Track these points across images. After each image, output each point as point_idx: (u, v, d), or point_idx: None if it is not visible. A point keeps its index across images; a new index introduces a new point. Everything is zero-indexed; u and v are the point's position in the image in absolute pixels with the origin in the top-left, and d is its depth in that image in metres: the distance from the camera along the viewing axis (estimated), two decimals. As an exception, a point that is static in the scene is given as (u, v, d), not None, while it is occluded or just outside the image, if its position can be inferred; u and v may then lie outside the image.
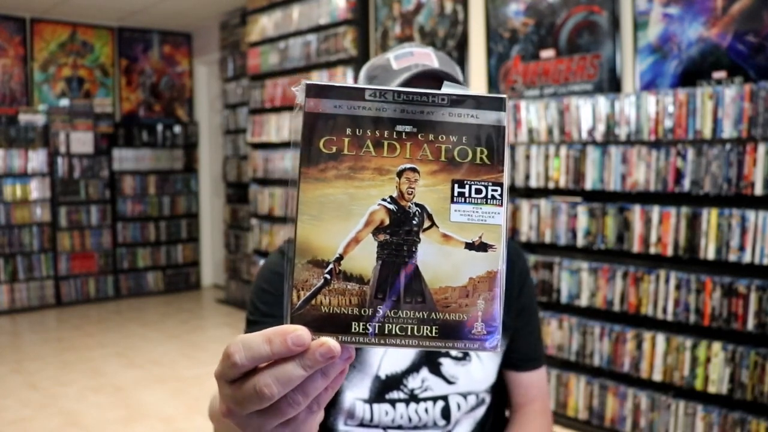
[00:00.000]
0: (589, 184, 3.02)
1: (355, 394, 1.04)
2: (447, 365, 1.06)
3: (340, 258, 0.46)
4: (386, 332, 0.45)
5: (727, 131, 2.58)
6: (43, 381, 4.03)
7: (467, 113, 0.47)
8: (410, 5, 4.03)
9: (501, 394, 1.18)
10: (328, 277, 0.45)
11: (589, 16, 3.12)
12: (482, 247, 0.47)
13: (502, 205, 0.47)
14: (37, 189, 5.95)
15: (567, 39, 3.21)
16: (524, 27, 3.39)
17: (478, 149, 0.47)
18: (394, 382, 1.03)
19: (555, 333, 3.15)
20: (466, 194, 0.47)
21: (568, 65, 3.20)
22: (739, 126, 2.55)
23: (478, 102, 0.47)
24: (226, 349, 0.45)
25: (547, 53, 3.29)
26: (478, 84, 3.64)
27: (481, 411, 1.10)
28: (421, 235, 0.47)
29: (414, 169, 0.47)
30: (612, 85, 3.03)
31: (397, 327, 0.46)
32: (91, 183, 6.23)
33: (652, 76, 2.91)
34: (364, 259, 0.46)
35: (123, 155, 6.43)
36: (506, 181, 0.48)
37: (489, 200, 0.47)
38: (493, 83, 3.55)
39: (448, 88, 0.48)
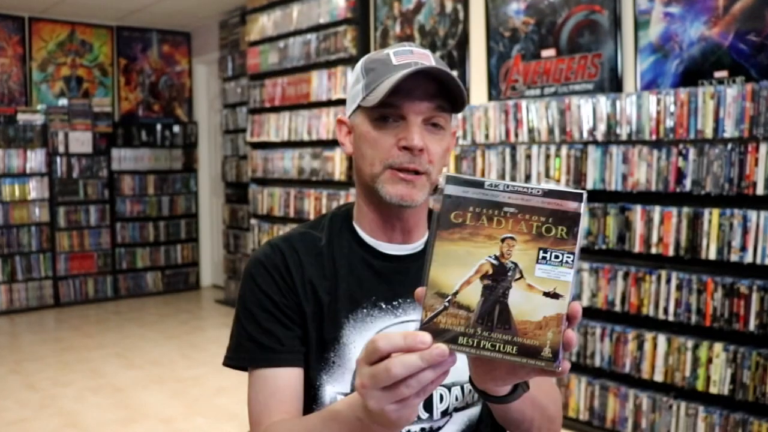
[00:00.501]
0: (590, 184, 3.01)
1: (336, 388, 1.03)
2: None
3: (456, 293, 0.66)
4: (481, 346, 0.65)
5: (729, 131, 2.57)
6: (42, 382, 4.02)
7: (554, 202, 0.66)
8: (410, 4, 4.02)
9: None
10: (447, 304, 0.66)
11: (590, 15, 3.11)
12: (555, 296, 0.65)
13: (572, 268, 0.65)
14: (35, 189, 5.93)
15: (568, 38, 3.20)
16: (525, 26, 3.38)
17: (560, 227, 0.66)
18: None
19: (556, 333, 3.14)
20: (548, 258, 0.65)
21: (569, 65, 3.19)
22: (740, 126, 2.54)
23: (563, 195, 0.66)
24: (371, 340, 0.66)
25: (548, 52, 3.28)
26: (478, 83, 3.63)
27: (474, 411, 1.09)
28: (513, 284, 0.66)
29: (513, 238, 0.66)
30: (613, 84, 3.02)
31: (489, 344, 0.65)
32: (89, 183, 6.21)
33: (653, 76, 2.90)
34: (472, 296, 0.66)
35: (122, 155, 6.42)
36: (577, 252, 0.65)
37: (563, 264, 0.65)
38: (493, 83, 3.53)
39: (543, 185, 0.66)
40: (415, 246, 1.10)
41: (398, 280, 1.08)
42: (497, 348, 0.65)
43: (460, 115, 3.51)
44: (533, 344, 0.64)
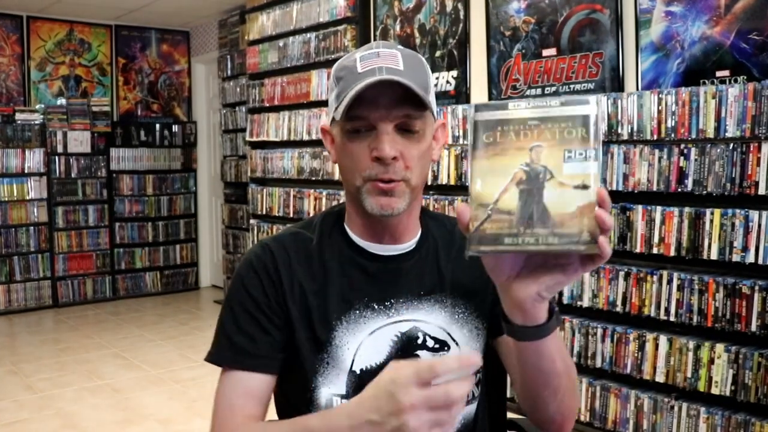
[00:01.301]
0: (590, 184, 2.99)
1: (332, 390, 1.03)
2: (424, 357, 1.05)
3: (497, 201, 0.73)
4: (525, 243, 0.72)
5: (731, 130, 2.56)
6: (40, 383, 4.00)
7: (572, 108, 0.74)
8: (411, 3, 4.00)
9: (497, 393, 1.16)
10: (489, 213, 0.73)
11: (591, 14, 3.10)
12: (584, 187, 0.72)
13: (597, 161, 0.72)
14: (34, 189, 5.91)
15: (569, 37, 3.19)
16: (525, 25, 3.37)
17: (580, 129, 0.73)
18: (370, 376, 1.02)
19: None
20: (573, 156, 0.73)
21: (569, 64, 3.18)
22: (742, 125, 2.53)
23: (577, 101, 0.74)
24: (425, 364, 0.72)
25: (549, 52, 3.26)
26: (479, 83, 3.62)
27: (469, 409, 1.09)
28: (546, 184, 0.72)
29: (540, 146, 0.73)
30: (614, 83, 3.01)
31: (533, 239, 0.72)
32: (88, 183, 6.19)
33: (654, 75, 2.89)
34: (512, 201, 0.73)
35: (121, 155, 6.40)
36: (599, 146, 0.73)
37: (587, 159, 0.72)
38: (494, 82, 3.52)
39: (561, 96, 0.71)
40: (405, 246, 1.10)
41: (390, 280, 1.08)
42: (540, 242, 0.72)
43: (460, 115, 3.49)
44: (572, 232, 0.71)
